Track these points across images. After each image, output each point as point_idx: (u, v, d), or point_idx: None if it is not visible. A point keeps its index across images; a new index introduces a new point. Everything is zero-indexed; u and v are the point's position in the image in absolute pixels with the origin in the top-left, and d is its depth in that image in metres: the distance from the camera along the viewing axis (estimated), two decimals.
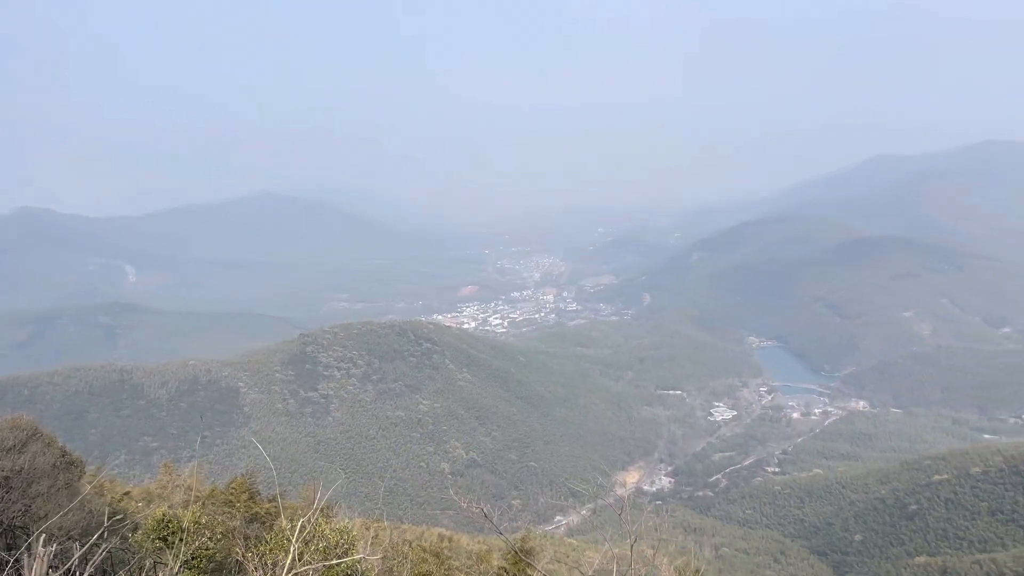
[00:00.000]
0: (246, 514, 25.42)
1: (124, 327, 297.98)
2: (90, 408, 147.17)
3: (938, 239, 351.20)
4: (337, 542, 13.02)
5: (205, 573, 14.38)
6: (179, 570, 13.07)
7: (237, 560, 14.24)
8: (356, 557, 13.33)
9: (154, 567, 14.05)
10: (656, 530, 17.89)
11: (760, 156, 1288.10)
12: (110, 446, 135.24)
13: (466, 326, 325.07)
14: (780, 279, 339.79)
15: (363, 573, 14.24)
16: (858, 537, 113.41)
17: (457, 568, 24.90)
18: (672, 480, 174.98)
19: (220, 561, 15.50)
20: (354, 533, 14.48)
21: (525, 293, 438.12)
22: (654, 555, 18.66)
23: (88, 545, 10.20)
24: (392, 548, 22.05)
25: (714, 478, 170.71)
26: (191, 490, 27.07)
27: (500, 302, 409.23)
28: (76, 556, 9.90)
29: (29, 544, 9.42)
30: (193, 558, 13.93)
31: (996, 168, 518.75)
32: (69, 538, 13.75)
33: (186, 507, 16.86)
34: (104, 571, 13.74)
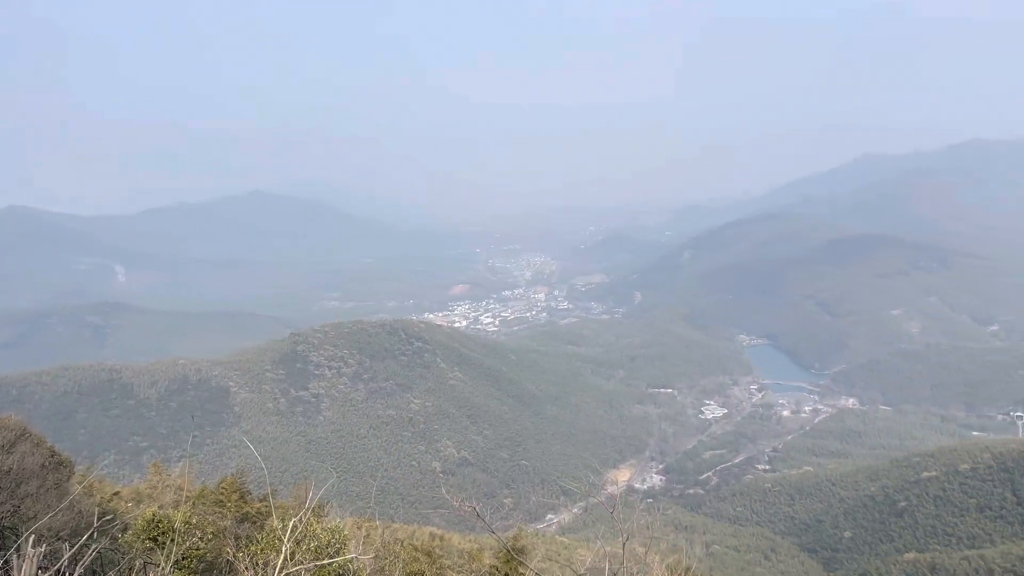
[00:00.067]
0: (237, 514, 25.34)
1: (113, 326, 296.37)
2: (79, 408, 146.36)
3: (926, 237, 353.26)
4: (329, 541, 13.00)
5: (196, 573, 14.32)
6: (170, 570, 13.02)
7: (228, 560, 14.20)
8: (348, 557, 13.31)
9: (144, 567, 13.99)
10: (648, 528, 17.93)
11: (751, 155, 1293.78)
12: (99, 446, 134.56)
13: (457, 325, 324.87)
14: (770, 277, 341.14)
15: (355, 572, 14.22)
16: (848, 534, 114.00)
17: (449, 567, 24.91)
18: (663, 478, 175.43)
19: (211, 561, 15.44)
20: (345, 532, 14.47)
21: (516, 292, 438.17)
22: (646, 553, 18.71)
23: (78, 546, 10.14)
24: (384, 547, 22.03)
25: (705, 476, 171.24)
26: (181, 490, 26.97)
27: (491, 301, 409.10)
28: (66, 557, 9.84)
29: (18, 545, 9.35)
30: (184, 558, 13.87)
31: (982, 167, 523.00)
32: (59, 539, 13.67)
33: (176, 507, 16.80)
34: (94, 572, 13.66)
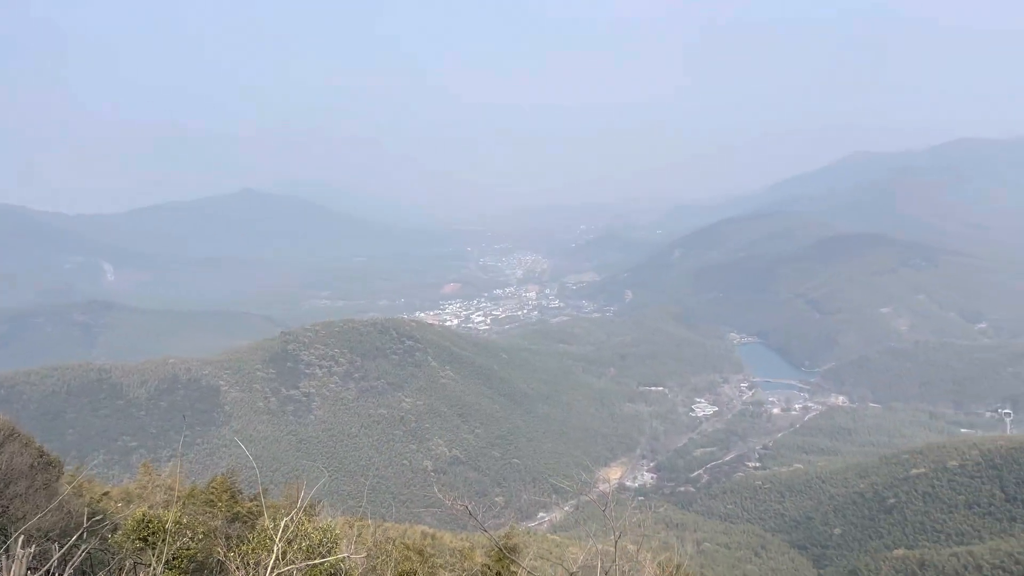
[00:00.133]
0: (228, 514, 25.25)
1: (102, 326, 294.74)
2: (68, 408, 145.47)
3: (915, 236, 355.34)
4: (320, 541, 12.97)
5: (186, 573, 14.27)
6: (160, 571, 12.96)
7: (219, 560, 14.15)
8: (340, 556, 13.29)
9: (134, 568, 13.92)
10: (639, 526, 17.98)
11: (743, 154, 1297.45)
12: (88, 446, 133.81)
13: (448, 323, 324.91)
14: (761, 276, 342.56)
15: (347, 572, 14.20)
16: (837, 531, 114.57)
17: (441, 566, 24.90)
18: (654, 476, 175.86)
19: (201, 561, 15.38)
20: (337, 532, 14.44)
21: (508, 290, 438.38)
22: (637, 551, 18.74)
23: (67, 546, 10.08)
24: (375, 546, 22.00)
25: (696, 473, 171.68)
26: (171, 490, 26.86)
27: (483, 299, 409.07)
28: (55, 557, 9.78)
29: (7, 546, 9.29)
30: (174, 558, 13.82)
31: (969, 165, 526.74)
32: (48, 539, 13.60)
33: (167, 507, 16.73)
34: (83, 572, 13.59)
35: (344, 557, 13.78)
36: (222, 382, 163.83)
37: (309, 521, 13.37)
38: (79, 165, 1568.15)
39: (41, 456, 22.20)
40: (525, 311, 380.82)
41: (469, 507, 16.89)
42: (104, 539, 14.98)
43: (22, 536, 9.42)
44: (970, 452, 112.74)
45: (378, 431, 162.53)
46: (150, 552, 13.64)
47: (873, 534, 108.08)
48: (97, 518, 14.85)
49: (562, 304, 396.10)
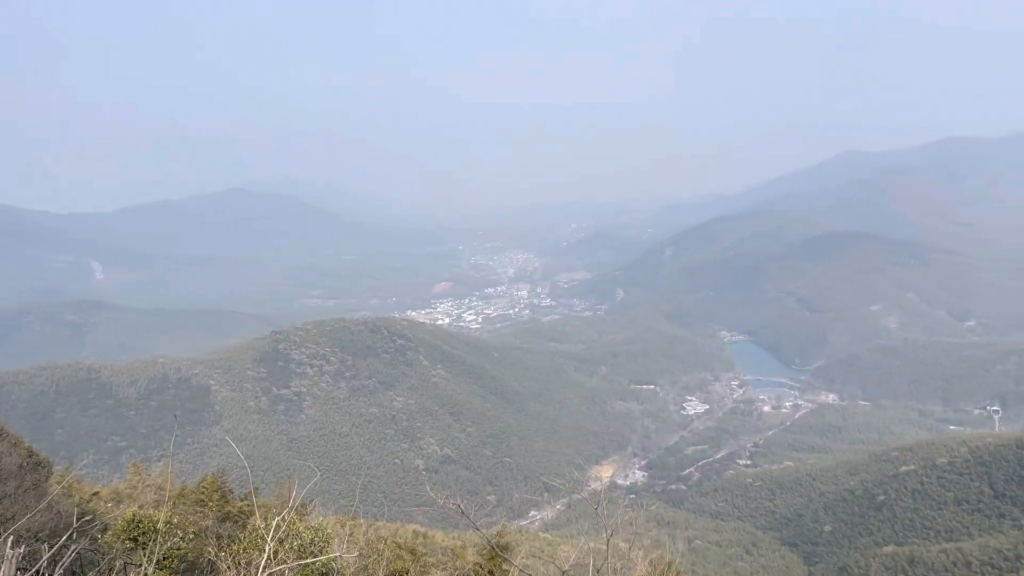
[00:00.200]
0: (218, 513, 25.15)
1: (91, 325, 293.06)
2: (57, 407, 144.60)
3: (904, 234, 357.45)
4: (312, 540, 12.95)
5: (177, 573, 14.21)
6: (152, 571, 12.90)
7: (210, 560, 14.09)
8: (331, 555, 13.27)
9: (124, 568, 13.86)
10: (631, 524, 18.03)
11: (734, 153, 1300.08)
12: (78, 446, 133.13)
13: (440, 322, 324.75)
14: (751, 274, 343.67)
15: (338, 571, 14.17)
16: (828, 528, 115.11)
17: (433, 564, 24.88)
18: (646, 474, 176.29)
19: (192, 561, 15.33)
20: (329, 531, 14.41)
21: (499, 289, 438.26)
22: (629, 549, 18.80)
23: (57, 546, 10.03)
24: (367, 545, 21.97)
25: (687, 471, 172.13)
26: (162, 490, 26.74)
27: (474, 298, 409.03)
28: (45, 558, 9.74)
29: None
30: (165, 558, 13.76)
31: (957, 164, 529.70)
32: (37, 539, 13.53)
33: (157, 507, 16.65)
34: (73, 572, 13.52)
35: (336, 556, 13.75)
36: (212, 381, 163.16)
37: (300, 520, 13.35)
38: (71, 164, 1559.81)
39: (30, 456, 22.07)
40: (517, 310, 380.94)
41: (461, 506, 16.91)
42: (94, 539, 14.92)
43: (11, 536, 9.37)
44: (959, 449, 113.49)
45: (369, 430, 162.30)
46: (140, 552, 13.57)
47: (863, 531, 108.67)
48: (87, 518, 14.79)
49: (554, 303, 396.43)
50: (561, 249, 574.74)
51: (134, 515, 14.42)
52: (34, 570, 9.68)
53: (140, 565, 13.15)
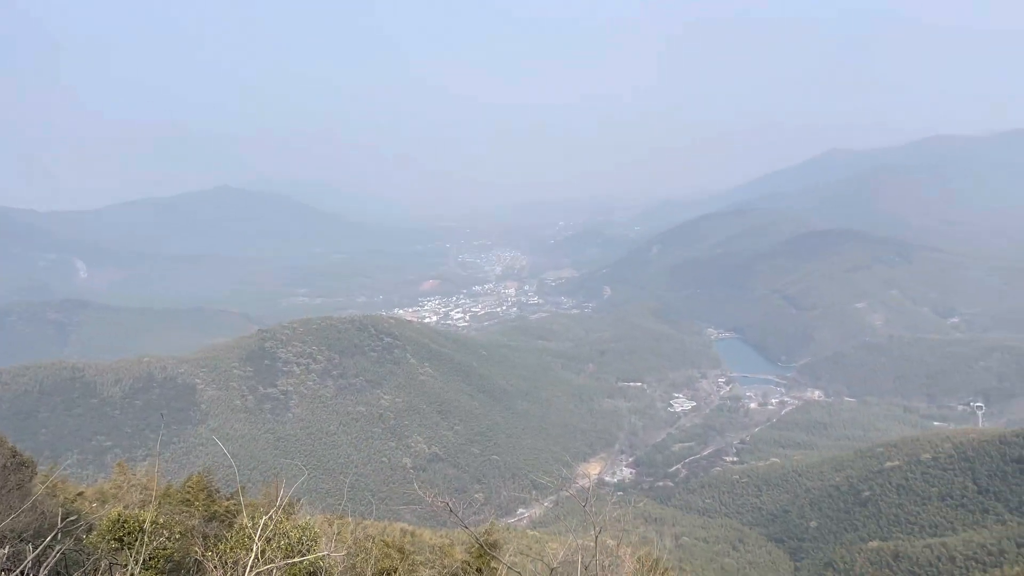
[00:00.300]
0: (205, 513, 25.01)
1: (75, 324, 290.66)
2: (41, 407, 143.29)
3: (889, 232, 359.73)
4: (299, 539, 12.90)
5: (163, 574, 14.12)
6: (138, 571, 12.81)
7: (196, 560, 14.01)
8: (319, 554, 13.23)
9: (110, 568, 13.76)
10: (619, 521, 18.07)
11: (721, 150, 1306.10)
12: (62, 446, 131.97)
13: (427, 320, 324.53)
14: (738, 271, 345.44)
15: (326, 570, 14.12)
16: (813, 523, 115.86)
17: (421, 563, 24.86)
18: (633, 471, 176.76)
19: (178, 561, 15.23)
20: (316, 530, 14.37)
21: (487, 287, 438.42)
22: (617, 546, 18.83)
23: (41, 547, 9.94)
24: (355, 544, 21.92)
25: (674, 468, 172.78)
26: (147, 489, 26.57)
27: (462, 296, 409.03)
28: (29, 559, 9.65)
29: None
30: (151, 559, 13.66)
31: (943, 162, 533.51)
32: (21, 540, 13.40)
33: (142, 507, 16.54)
34: (58, 573, 13.40)
35: (323, 555, 13.71)
36: (198, 380, 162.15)
37: (288, 519, 13.30)
38: (61, 163, 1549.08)
39: (14, 456, 21.87)
40: (504, 307, 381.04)
41: (449, 504, 16.89)
42: (79, 540, 14.79)
43: None
44: (943, 445, 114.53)
45: (357, 428, 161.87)
46: (126, 552, 13.47)
47: (848, 527, 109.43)
48: (71, 518, 14.67)
49: (541, 300, 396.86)
50: (548, 247, 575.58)
51: (119, 515, 14.31)
52: (18, 571, 9.59)
53: (126, 565, 13.06)
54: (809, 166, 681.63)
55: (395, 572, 20.43)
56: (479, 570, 20.63)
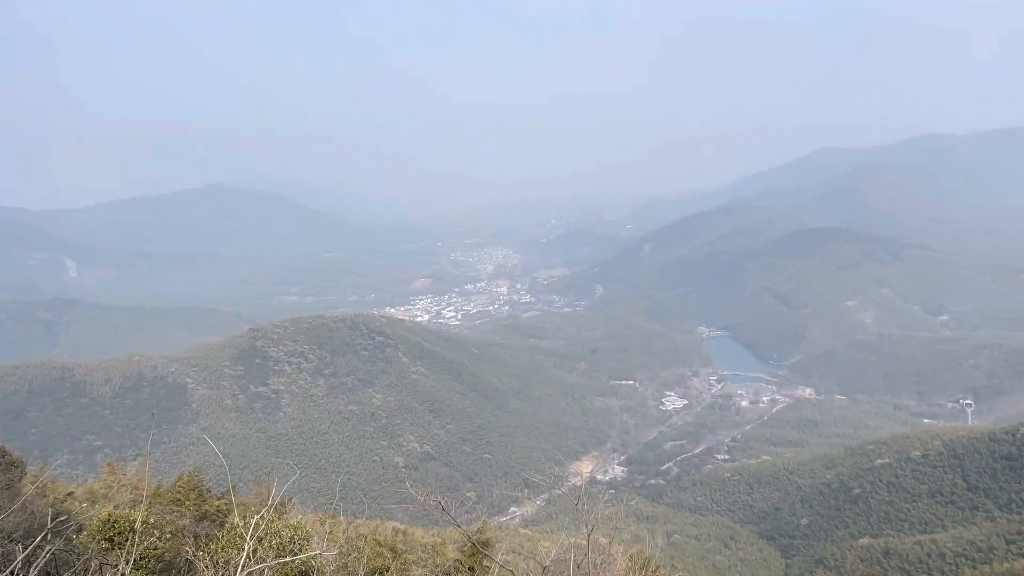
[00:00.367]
0: (196, 512, 24.93)
1: (65, 323, 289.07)
2: (30, 407, 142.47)
3: (879, 230, 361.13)
4: (291, 538, 12.87)
5: (154, 573, 14.07)
6: (128, 571, 12.76)
7: (187, 559, 13.97)
8: (311, 553, 13.21)
9: (100, 568, 13.70)
10: (611, 519, 18.09)
11: (712, 149, 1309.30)
12: (52, 445, 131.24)
13: (419, 319, 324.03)
14: (729, 270, 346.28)
15: (318, 569, 14.11)
16: (804, 521, 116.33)
17: (413, 562, 24.82)
18: (625, 469, 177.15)
19: (169, 561, 15.18)
20: (308, 529, 14.35)
21: (479, 285, 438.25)
22: (609, 544, 18.87)
23: (31, 547, 9.89)
24: (347, 543, 21.89)
25: (666, 466, 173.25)
26: (137, 489, 26.45)
27: (454, 294, 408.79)
28: (19, 559, 9.60)
29: None
30: (141, 558, 13.61)
31: (934, 161, 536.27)
32: (11, 540, 13.32)
33: (133, 507, 16.47)
34: (48, 573, 13.34)
35: (315, 555, 13.69)
36: (189, 379, 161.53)
37: (279, 519, 13.27)
38: (56, 163, 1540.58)
39: (3, 456, 21.75)
40: (496, 306, 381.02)
41: (441, 502, 16.88)
42: (69, 540, 14.72)
43: None
44: (933, 442, 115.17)
45: (348, 427, 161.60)
46: (117, 552, 13.42)
47: (839, 524, 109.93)
48: (62, 519, 14.60)
49: (533, 299, 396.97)
50: (540, 246, 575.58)
51: (110, 515, 14.25)
52: (8, 571, 9.55)
53: (116, 565, 13.00)
54: (800, 164, 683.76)
55: (387, 571, 20.43)
56: (471, 568, 20.64)
